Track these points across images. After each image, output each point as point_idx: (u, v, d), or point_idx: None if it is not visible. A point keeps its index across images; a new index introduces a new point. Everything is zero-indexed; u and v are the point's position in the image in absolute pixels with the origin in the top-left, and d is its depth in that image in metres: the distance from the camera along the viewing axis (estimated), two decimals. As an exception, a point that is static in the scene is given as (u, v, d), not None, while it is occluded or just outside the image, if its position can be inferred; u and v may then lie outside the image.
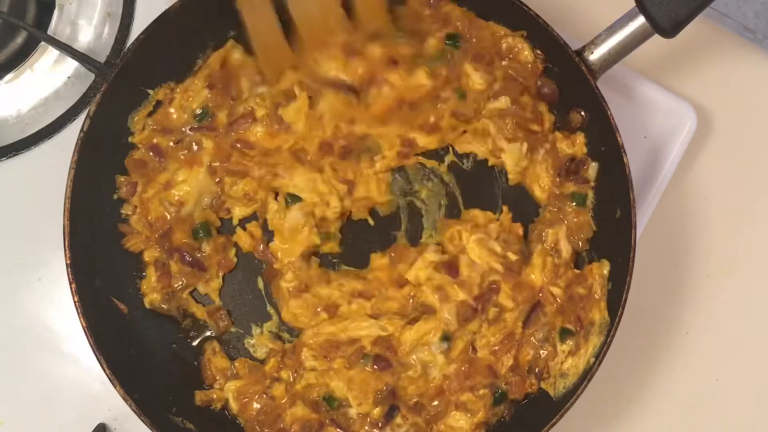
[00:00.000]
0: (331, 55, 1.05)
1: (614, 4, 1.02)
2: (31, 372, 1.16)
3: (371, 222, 1.10)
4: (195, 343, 1.10)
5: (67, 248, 1.01)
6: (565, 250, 1.07)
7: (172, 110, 1.07)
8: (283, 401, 1.05)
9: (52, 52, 1.20)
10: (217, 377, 1.08)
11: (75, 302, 1.00)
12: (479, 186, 1.10)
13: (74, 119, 1.18)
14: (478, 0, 1.07)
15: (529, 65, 1.07)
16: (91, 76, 1.18)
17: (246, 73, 1.08)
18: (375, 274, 1.08)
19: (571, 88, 1.05)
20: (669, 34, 0.99)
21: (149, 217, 1.07)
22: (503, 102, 1.06)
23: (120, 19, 1.19)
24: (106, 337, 1.01)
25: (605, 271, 1.05)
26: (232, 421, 1.07)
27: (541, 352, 1.06)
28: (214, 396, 1.07)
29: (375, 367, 1.05)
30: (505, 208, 1.09)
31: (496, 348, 1.05)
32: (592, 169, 1.07)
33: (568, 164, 1.07)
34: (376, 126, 1.07)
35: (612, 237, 1.06)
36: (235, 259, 1.09)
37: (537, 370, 1.06)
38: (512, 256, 1.05)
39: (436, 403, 1.05)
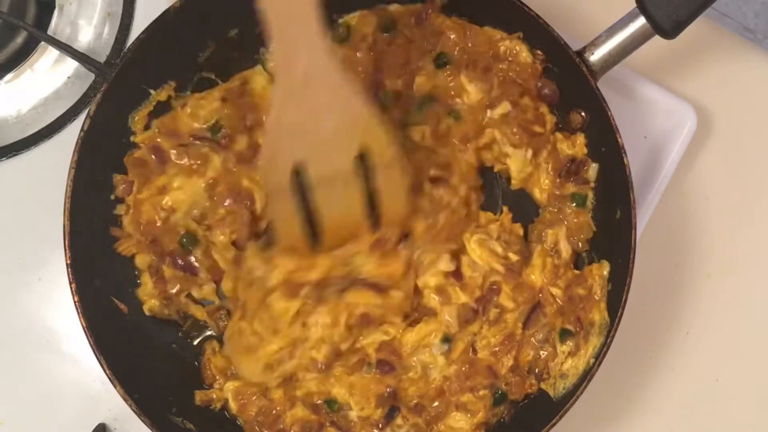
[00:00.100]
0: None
1: (615, 4, 1.02)
2: (31, 372, 1.16)
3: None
4: (195, 343, 1.10)
5: (67, 248, 1.00)
6: (565, 250, 1.07)
7: (182, 114, 1.06)
8: (282, 403, 1.05)
9: (52, 52, 1.20)
10: (217, 377, 1.08)
11: (75, 302, 1.00)
12: (479, 186, 1.10)
13: (74, 119, 1.18)
14: (475, 5, 1.07)
15: (529, 67, 1.06)
16: (91, 76, 1.18)
17: (265, 106, 1.05)
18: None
19: (572, 88, 1.05)
20: (670, 35, 0.99)
21: (141, 219, 1.05)
22: (504, 107, 1.05)
23: (120, 19, 1.19)
24: (106, 337, 1.01)
25: (605, 272, 1.05)
26: (232, 422, 1.07)
27: (541, 352, 1.06)
28: (214, 396, 1.07)
29: (378, 371, 1.05)
30: (505, 209, 1.09)
31: (497, 349, 1.05)
32: (592, 169, 1.07)
33: (569, 165, 1.07)
34: None
35: (612, 238, 1.06)
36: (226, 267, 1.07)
37: (537, 371, 1.06)
38: (513, 257, 1.05)
39: (436, 404, 1.05)
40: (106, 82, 1.01)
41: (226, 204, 1.04)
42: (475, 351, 1.06)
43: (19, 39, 1.21)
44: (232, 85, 1.07)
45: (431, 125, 1.06)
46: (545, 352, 1.06)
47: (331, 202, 0.98)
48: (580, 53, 1.02)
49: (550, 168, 1.08)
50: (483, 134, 1.06)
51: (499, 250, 1.05)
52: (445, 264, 1.04)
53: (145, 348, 1.07)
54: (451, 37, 1.07)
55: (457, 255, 1.06)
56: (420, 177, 1.04)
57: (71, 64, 1.20)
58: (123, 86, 1.03)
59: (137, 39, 1.02)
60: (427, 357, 1.05)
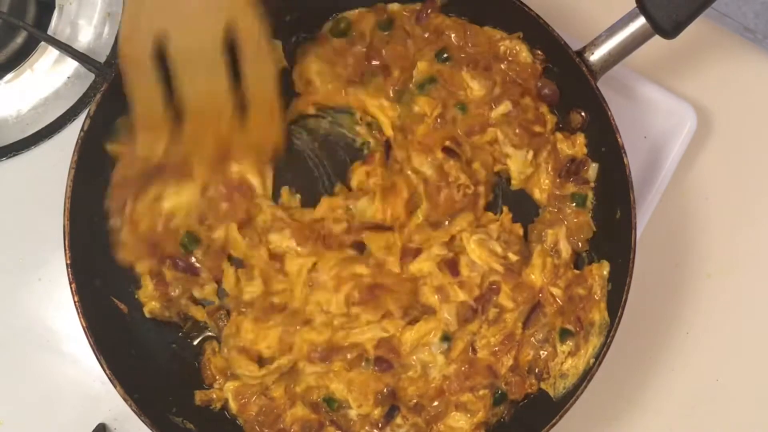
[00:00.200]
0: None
1: (615, 4, 1.02)
2: (31, 372, 1.16)
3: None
4: (195, 343, 1.10)
5: (67, 248, 1.00)
6: (565, 250, 1.07)
7: None
8: (282, 402, 1.05)
9: (52, 52, 1.20)
10: (217, 377, 1.08)
11: (75, 302, 1.00)
12: (479, 186, 1.10)
13: (74, 119, 1.18)
14: (475, 5, 1.07)
15: (529, 67, 1.06)
16: (91, 76, 1.18)
17: None
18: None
19: (572, 88, 1.05)
20: (670, 35, 0.99)
21: (139, 229, 1.04)
22: (505, 106, 1.06)
23: (120, 19, 1.19)
24: (106, 337, 1.01)
25: (605, 272, 1.05)
26: (231, 422, 1.07)
27: (541, 352, 1.06)
28: (214, 396, 1.07)
29: (376, 368, 1.05)
30: (505, 209, 1.09)
31: (496, 348, 1.05)
32: (592, 169, 1.07)
33: (569, 165, 1.07)
34: None
35: (612, 238, 1.06)
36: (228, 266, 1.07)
37: (537, 371, 1.06)
38: (513, 257, 1.05)
39: (436, 403, 1.05)
40: (106, 82, 1.01)
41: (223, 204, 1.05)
42: (474, 350, 1.06)
43: (19, 39, 1.21)
44: None
45: (439, 109, 1.06)
46: (545, 352, 1.06)
47: (193, 81, 0.95)
48: (580, 53, 1.02)
49: (550, 168, 1.08)
50: (485, 132, 1.06)
51: (499, 250, 1.05)
52: (439, 248, 1.05)
53: (145, 348, 1.07)
54: (451, 36, 1.07)
55: (453, 250, 1.06)
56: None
57: (71, 64, 1.20)
58: (123, 86, 1.03)
59: (137, 39, 1.02)
60: (426, 356, 1.05)
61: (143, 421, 0.99)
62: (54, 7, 1.21)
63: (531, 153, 1.06)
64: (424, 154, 1.06)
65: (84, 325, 1.00)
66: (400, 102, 1.07)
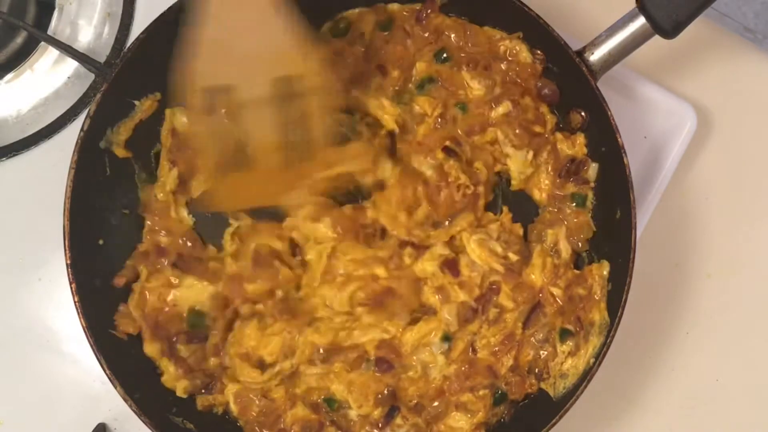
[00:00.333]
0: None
1: (615, 4, 1.02)
2: (31, 372, 1.16)
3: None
4: (195, 343, 1.10)
5: (67, 248, 1.00)
6: (565, 250, 1.07)
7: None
8: (282, 403, 1.05)
9: (52, 52, 1.20)
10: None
11: (75, 302, 1.00)
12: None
13: (74, 119, 1.18)
14: (475, 5, 1.07)
15: (529, 67, 1.06)
16: (91, 76, 1.18)
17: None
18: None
19: (572, 88, 1.05)
20: (669, 34, 0.99)
21: (145, 306, 1.04)
22: (505, 106, 1.05)
23: (120, 19, 1.19)
24: (106, 337, 1.01)
25: (605, 272, 1.05)
26: (231, 422, 1.07)
27: (541, 352, 1.06)
28: (216, 400, 1.07)
29: (377, 370, 1.05)
30: (505, 209, 1.09)
31: (497, 348, 1.05)
32: (592, 169, 1.07)
33: (569, 165, 1.07)
34: None
35: (612, 238, 1.06)
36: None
37: (537, 371, 1.06)
38: (513, 257, 1.05)
39: (436, 403, 1.05)
40: (106, 82, 1.01)
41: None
42: (474, 351, 1.06)
43: (19, 39, 1.21)
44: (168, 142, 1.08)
45: (439, 108, 1.06)
46: (545, 352, 1.06)
47: (255, 125, 0.97)
48: (580, 53, 1.02)
49: (550, 168, 1.08)
50: (486, 132, 1.06)
51: (499, 250, 1.05)
52: (441, 248, 1.05)
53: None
54: (451, 36, 1.07)
55: (453, 249, 1.06)
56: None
57: (71, 64, 1.20)
58: (123, 86, 1.03)
59: (137, 39, 1.02)
60: (427, 356, 1.05)
61: (143, 421, 1.00)
62: (54, 7, 1.21)
63: (531, 153, 1.06)
64: (424, 154, 1.06)
65: (84, 325, 1.00)
66: (400, 102, 1.07)
